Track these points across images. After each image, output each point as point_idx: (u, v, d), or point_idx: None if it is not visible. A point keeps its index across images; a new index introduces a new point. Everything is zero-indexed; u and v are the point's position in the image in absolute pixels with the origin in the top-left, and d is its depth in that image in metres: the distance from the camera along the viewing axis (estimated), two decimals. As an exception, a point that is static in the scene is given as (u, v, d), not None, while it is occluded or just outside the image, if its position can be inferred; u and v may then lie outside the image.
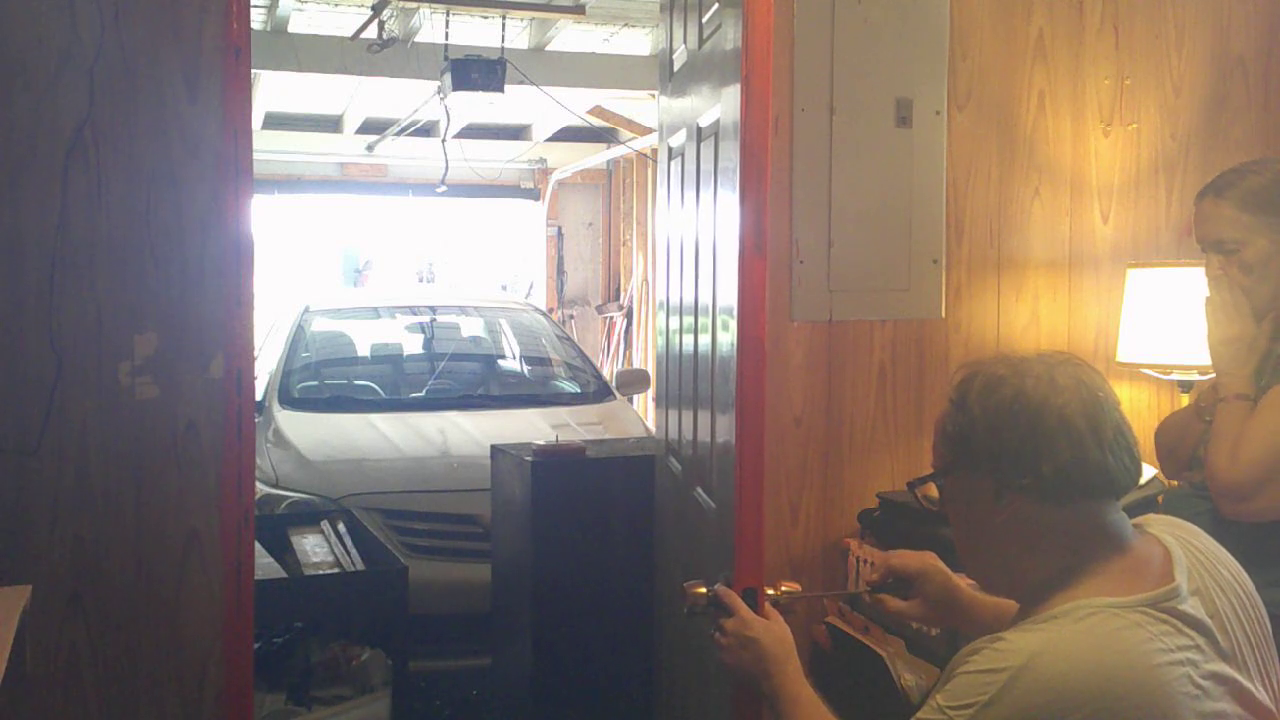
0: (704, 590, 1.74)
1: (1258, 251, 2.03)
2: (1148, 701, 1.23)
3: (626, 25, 6.64)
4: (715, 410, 2.01)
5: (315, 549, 3.20)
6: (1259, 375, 2.03)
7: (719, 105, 1.99)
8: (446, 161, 8.13)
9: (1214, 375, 2.11)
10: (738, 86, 1.79)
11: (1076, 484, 1.34)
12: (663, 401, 2.76)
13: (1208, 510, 1.98)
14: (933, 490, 1.49)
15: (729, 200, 1.85)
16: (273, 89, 7.90)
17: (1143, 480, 2.13)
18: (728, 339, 1.88)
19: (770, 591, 1.75)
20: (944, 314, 2.77)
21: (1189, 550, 1.39)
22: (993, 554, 1.42)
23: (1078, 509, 1.35)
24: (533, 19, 6.48)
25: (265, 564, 3.03)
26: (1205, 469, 2.02)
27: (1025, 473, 1.34)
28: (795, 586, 1.78)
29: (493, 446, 3.44)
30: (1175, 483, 2.32)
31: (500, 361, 5.83)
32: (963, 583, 1.68)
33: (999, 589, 1.46)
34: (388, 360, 5.59)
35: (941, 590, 1.69)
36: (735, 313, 1.80)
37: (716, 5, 2.04)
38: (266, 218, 10.24)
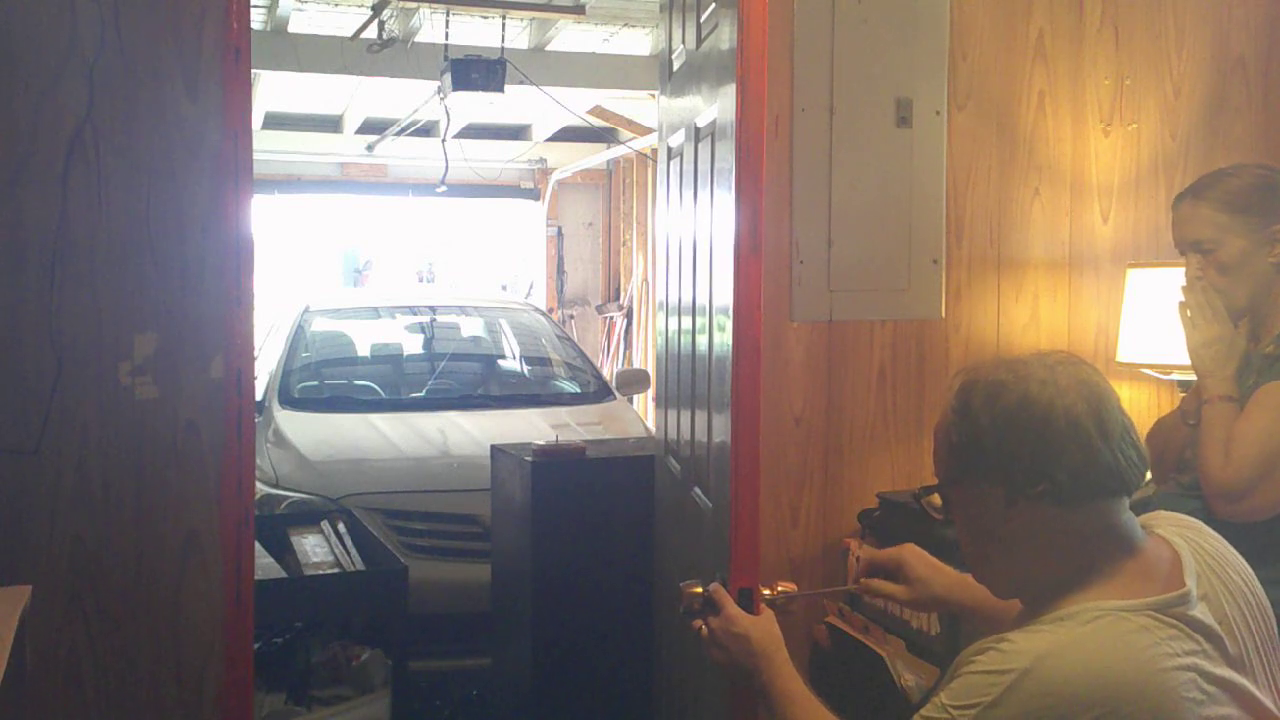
0: (699, 590, 1.74)
1: (1234, 252, 2.05)
2: (1152, 705, 1.23)
3: (626, 25, 6.64)
4: (713, 410, 2.01)
5: (315, 549, 3.20)
6: (1240, 376, 2.05)
7: (716, 105, 1.99)
8: (446, 161, 8.13)
9: (1195, 378, 2.12)
10: (734, 86, 1.79)
11: (1088, 486, 1.32)
12: (662, 402, 2.76)
13: (1199, 509, 1.98)
14: (937, 499, 1.47)
15: (726, 200, 1.85)
16: (273, 89, 7.91)
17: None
18: (725, 339, 1.88)
19: (766, 592, 1.75)
20: (944, 314, 2.77)
21: (1198, 552, 1.38)
22: (1003, 560, 1.39)
23: (1089, 511, 1.33)
24: (533, 19, 6.48)
25: (265, 564, 3.02)
26: (1198, 471, 2.03)
27: (1039, 479, 1.32)
28: (792, 587, 1.78)
29: (493, 446, 3.44)
30: (1158, 487, 2.33)
31: (500, 361, 5.82)
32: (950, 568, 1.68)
33: (1008, 593, 1.44)
34: (388, 360, 5.59)
35: (927, 571, 1.69)
36: (731, 313, 1.80)
37: (714, 5, 2.04)
38: (266, 218, 10.24)
